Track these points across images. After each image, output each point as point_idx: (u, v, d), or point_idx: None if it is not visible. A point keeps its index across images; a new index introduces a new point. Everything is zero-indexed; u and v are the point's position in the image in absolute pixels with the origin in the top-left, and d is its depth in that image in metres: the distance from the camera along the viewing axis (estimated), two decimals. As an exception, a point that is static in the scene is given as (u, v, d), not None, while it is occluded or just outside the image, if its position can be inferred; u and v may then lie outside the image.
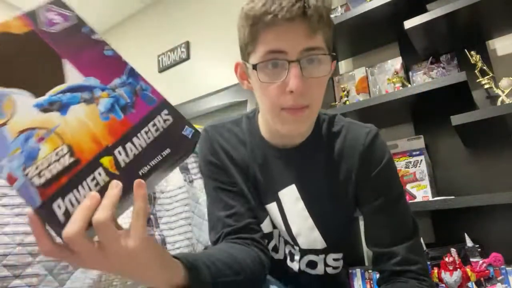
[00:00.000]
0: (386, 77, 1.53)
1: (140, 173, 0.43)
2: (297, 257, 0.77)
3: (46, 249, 0.38)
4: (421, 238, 1.20)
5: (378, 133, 0.73)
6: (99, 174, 0.42)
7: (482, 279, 1.07)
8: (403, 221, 0.70)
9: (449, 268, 1.06)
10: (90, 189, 0.41)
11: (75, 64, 0.46)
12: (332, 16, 1.53)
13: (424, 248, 1.22)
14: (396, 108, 1.38)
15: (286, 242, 0.78)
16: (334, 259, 0.77)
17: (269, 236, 0.78)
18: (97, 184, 0.41)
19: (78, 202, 0.40)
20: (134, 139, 0.44)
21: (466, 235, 1.20)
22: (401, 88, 1.42)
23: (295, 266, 0.77)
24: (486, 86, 1.28)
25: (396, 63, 1.53)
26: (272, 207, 0.76)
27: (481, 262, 1.09)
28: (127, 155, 0.44)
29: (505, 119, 1.13)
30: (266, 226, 0.77)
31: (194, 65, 2.46)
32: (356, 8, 1.46)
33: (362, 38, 1.61)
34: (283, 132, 0.68)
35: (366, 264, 1.50)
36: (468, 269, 1.07)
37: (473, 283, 1.08)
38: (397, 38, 1.60)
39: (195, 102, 2.32)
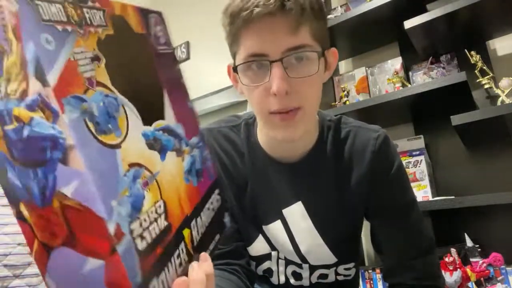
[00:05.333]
0: (386, 77, 1.53)
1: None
2: (306, 274, 0.73)
3: None
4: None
5: (387, 137, 0.68)
6: (182, 250, 0.32)
7: (482, 279, 1.07)
8: (419, 230, 0.67)
9: (449, 268, 1.06)
10: (176, 270, 0.31)
11: (171, 101, 0.35)
12: (332, 16, 1.54)
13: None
14: (396, 108, 1.38)
15: (288, 263, 0.73)
16: (345, 269, 0.74)
17: (263, 258, 0.73)
18: (180, 264, 0.32)
19: (168, 284, 0.30)
20: (202, 214, 0.37)
21: (466, 235, 1.20)
22: (401, 88, 1.42)
23: (304, 282, 0.73)
24: (486, 86, 1.28)
25: (396, 63, 1.53)
26: (274, 226, 0.70)
27: (481, 262, 1.09)
28: (198, 231, 0.36)
29: (505, 119, 1.13)
30: (259, 248, 0.72)
31: (194, 65, 2.46)
32: (356, 8, 1.46)
33: (362, 38, 1.61)
34: (277, 139, 0.62)
35: (366, 264, 1.50)
36: (468, 269, 1.07)
37: (473, 283, 1.08)
38: (397, 38, 1.60)
39: (195, 102, 2.32)
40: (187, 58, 2.48)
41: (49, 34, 0.25)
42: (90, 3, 0.28)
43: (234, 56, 0.61)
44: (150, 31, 0.35)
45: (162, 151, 0.33)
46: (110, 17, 0.30)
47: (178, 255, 0.32)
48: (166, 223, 0.31)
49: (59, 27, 0.26)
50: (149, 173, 0.31)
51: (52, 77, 0.24)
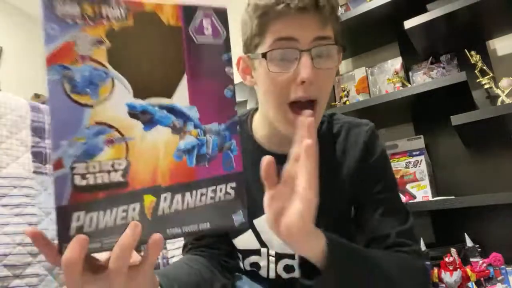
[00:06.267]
0: (386, 77, 1.53)
1: (167, 231, 0.39)
2: (297, 265, 0.73)
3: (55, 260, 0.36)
4: (421, 239, 1.20)
5: (375, 129, 0.75)
6: (133, 209, 0.38)
7: (482, 279, 1.07)
8: (398, 207, 0.70)
9: (449, 268, 1.06)
10: (116, 220, 0.37)
11: (191, 86, 0.41)
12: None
13: (424, 248, 1.22)
14: (396, 108, 1.38)
15: (280, 258, 0.74)
16: None
17: (251, 253, 0.74)
18: (124, 218, 0.37)
19: (97, 225, 0.36)
20: (187, 195, 0.40)
21: (466, 235, 1.20)
22: (401, 88, 1.42)
23: (296, 273, 0.74)
24: (486, 86, 1.28)
25: (396, 63, 1.53)
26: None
27: (481, 262, 1.09)
28: (170, 206, 0.39)
29: (505, 119, 1.13)
30: (247, 243, 0.73)
31: (194, 65, 2.46)
32: (356, 8, 1.46)
33: (362, 38, 1.61)
34: (287, 132, 0.63)
35: (366, 264, 1.50)
36: (468, 269, 1.07)
37: (473, 283, 1.08)
38: (397, 38, 1.60)
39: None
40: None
41: (55, 24, 0.35)
42: (113, 2, 0.38)
43: (254, 47, 0.63)
44: (188, 24, 0.41)
45: (149, 123, 0.39)
46: (136, 13, 0.39)
47: (126, 210, 0.37)
48: (121, 179, 0.37)
49: (69, 20, 0.36)
50: (119, 134, 0.37)
51: (47, 51, 0.35)
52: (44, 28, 0.35)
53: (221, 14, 0.42)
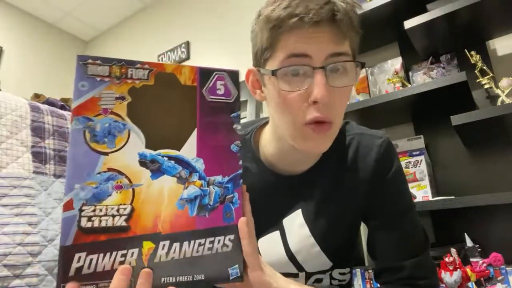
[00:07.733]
0: (386, 77, 1.53)
1: (162, 280, 0.40)
2: (301, 281, 0.71)
3: None
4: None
5: (390, 144, 0.69)
6: (132, 254, 0.39)
7: (482, 279, 1.07)
8: (412, 235, 0.66)
9: (449, 268, 1.06)
10: (114, 264, 0.38)
11: (199, 139, 0.44)
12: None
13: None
14: (396, 108, 1.38)
15: (312, 274, 0.71)
16: (341, 273, 0.74)
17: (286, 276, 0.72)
18: (122, 262, 0.39)
19: (96, 267, 0.38)
20: (185, 244, 0.41)
21: (466, 235, 1.20)
22: (401, 88, 1.42)
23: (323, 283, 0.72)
24: (486, 86, 1.28)
25: (396, 63, 1.53)
26: (270, 237, 0.69)
27: (481, 262, 1.09)
28: (167, 254, 0.41)
29: (505, 119, 1.13)
30: (286, 269, 0.69)
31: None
32: (356, 8, 1.46)
33: (362, 38, 1.60)
34: (302, 149, 0.60)
35: (366, 264, 1.50)
36: (468, 269, 1.07)
37: (473, 283, 1.08)
38: (397, 38, 1.60)
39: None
40: (187, 58, 2.49)
41: (85, 82, 0.40)
42: (138, 65, 0.42)
43: (264, 61, 0.59)
44: (203, 84, 0.45)
45: (157, 172, 0.41)
46: (157, 74, 0.43)
47: (124, 255, 0.39)
48: (124, 224, 0.39)
49: (98, 78, 0.40)
50: (128, 181, 0.40)
51: (75, 104, 0.39)
52: (76, 85, 0.39)
53: (234, 76, 0.46)
